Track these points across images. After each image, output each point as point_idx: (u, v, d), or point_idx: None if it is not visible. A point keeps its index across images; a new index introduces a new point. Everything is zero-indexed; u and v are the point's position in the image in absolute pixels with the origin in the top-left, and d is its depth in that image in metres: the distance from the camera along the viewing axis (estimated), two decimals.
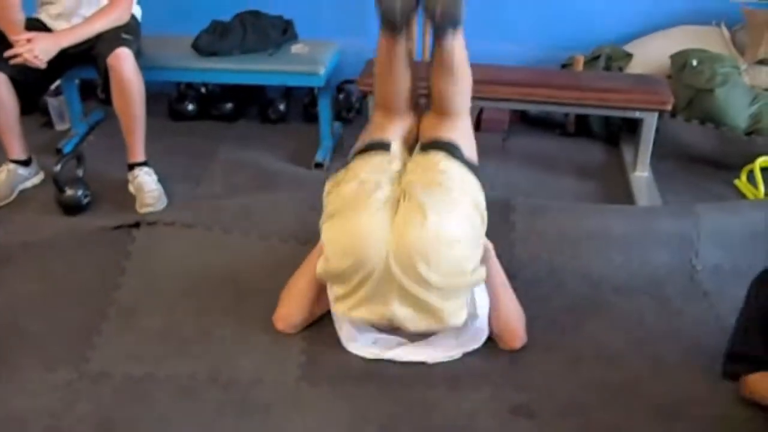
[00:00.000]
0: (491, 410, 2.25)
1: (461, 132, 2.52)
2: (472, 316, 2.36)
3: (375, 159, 2.40)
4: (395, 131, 2.54)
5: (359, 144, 2.53)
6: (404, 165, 2.44)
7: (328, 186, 2.44)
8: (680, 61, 3.86)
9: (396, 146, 2.47)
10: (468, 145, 2.49)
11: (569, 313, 2.66)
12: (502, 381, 2.35)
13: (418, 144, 2.54)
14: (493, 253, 2.49)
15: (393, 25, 2.34)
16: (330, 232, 2.33)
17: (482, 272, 2.33)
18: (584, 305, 2.70)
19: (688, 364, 2.43)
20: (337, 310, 2.38)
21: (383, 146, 2.45)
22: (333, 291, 2.38)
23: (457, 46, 2.39)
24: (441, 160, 2.36)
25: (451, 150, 2.39)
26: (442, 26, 2.32)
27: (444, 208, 2.23)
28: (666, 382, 2.36)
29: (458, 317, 2.31)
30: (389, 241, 2.20)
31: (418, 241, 2.18)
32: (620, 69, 4.07)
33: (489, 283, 2.39)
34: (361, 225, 2.23)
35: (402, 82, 2.52)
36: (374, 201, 2.26)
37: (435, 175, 2.30)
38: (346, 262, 2.25)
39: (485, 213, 2.38)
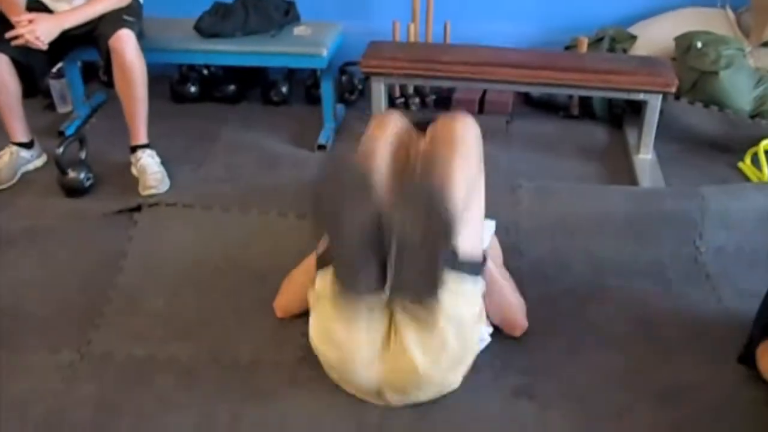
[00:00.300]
0: (493, 393, 2.25)
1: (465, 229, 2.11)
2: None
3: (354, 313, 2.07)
4: None
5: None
6: None
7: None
8: (685, 43, 3.84)
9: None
10: (472, 223, 2.18)
11: (572, 295, 2.66)
12: (504, 364, 2.35)
13: None
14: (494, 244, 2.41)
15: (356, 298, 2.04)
16: (320, 346, 2.16)
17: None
18: (587, 287, 2.69)
19: (691, 347, 2.43)
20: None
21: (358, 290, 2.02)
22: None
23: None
24: None
25: (450, 264, 2.02)
26: (416, 298, 1.99)
27: (437, 351, 2.05)
28: (668, 366, 2.36)
29: (456, 384, 2.22)
30: (380, 374, 2.09)
31: (411, 382, 2.09)
32: (624, 51, 4.05)
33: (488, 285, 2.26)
34: (353, 358, 2.08)
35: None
36: (363, 338, 2.07)
37: (430, 314, 2.02)
38: (337, 376, 2.20)
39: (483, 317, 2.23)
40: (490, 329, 2.36)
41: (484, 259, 2.21)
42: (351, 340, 2.07)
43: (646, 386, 2.28)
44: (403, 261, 1.91)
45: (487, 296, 2.24)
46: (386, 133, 2.35)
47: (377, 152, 2.26)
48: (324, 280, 2.11)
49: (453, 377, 2.15)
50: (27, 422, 2.19)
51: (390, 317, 2.09)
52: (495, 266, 2.42)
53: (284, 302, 2.55)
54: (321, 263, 2.15)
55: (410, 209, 1.91)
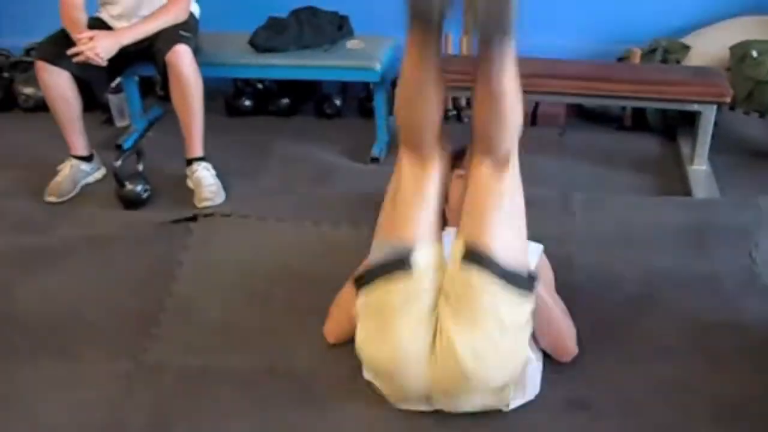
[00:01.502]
0: (546, 403, 2.24)
1: (506, 213, 2.12)
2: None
3: (401, 292, 2.08)
4: (426, 213, 2.13)
5: (377, 248, 2.17)
6: (440, 267, 2.13)
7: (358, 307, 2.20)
8: (740, 52, 3.80)
9: (424, 256, 2.09)
10: (514, 236, 2.13)
11: (626, 306, 2.64)
12: (558, 375, 2.33)
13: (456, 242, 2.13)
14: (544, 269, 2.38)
15: (427, 21, 1.92)
16: (368, 348, 2.17)
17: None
18: (641, 298, 2.67)
19: (747, 360, 2.40)
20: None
21: (405, 264, 2.06)
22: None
23: (507, 64, 1.97)
24: (478, 288, 2.04)
25: (492, 268, 2.02)
26: (486, 31, 1.91)
27: (481, 349, 2.04)
28: (724, 379, 2.33)
29: (506, 399, 2.20)
30: (428, 374, 2.08)
31: (458, 384, 2.08)
32: (678, 61, 4.02)
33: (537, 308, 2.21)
34: (400, 357, 2.08)
35: (432, 105, 2.11)
36: (412, 334, 2.07)
37: (471, 312, 2.04)
38: (385, 382, 2.19)
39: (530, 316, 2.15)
40: (539, 354, 2.32)
41: (533, 278, 2.14)
42: (401, 335, 2.07)
43: (702, 398, 2.25)
44: None
45: (537, 318, 2.20)
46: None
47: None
48: (367, 296, 2.13)
49: (500, 379, 2.10)
50: (85, 431, 2.24)
51: (436, 319, 2.08)
52: (545, 289, 2.35)
53: (333, 327, 2.51)
54: (360, 282, 2.15)
55: None
